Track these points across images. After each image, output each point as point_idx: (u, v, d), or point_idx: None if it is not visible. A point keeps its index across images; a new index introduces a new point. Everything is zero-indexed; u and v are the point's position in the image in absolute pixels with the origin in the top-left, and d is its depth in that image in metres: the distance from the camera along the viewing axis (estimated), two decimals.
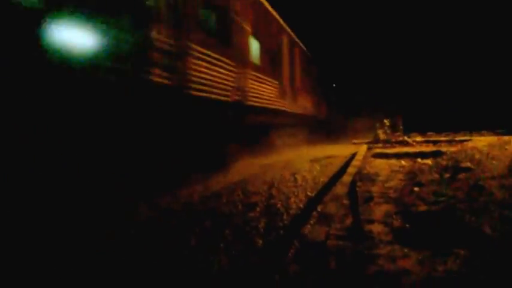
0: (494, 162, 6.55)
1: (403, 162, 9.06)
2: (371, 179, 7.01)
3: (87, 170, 5.07)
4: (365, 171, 7.76)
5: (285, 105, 16.27)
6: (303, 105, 20.73)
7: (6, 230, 4.00)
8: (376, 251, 3.40)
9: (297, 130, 19.92)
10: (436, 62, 30.16)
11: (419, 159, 9.03)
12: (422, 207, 4.65)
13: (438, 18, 30.91)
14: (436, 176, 6.43)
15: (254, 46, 12.47)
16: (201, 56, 8.12)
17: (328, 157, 11.04)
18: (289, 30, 17.69)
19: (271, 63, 14.26)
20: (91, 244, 4.09)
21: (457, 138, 14.10)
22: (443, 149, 10.56)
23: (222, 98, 9.26)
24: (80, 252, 3.85)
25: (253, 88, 11.78)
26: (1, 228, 3.97)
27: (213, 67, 8.76)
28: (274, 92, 14.38)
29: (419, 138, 15.18)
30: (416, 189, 5.69)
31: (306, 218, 4.67)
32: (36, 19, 4.24)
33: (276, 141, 15.31)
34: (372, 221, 4.34)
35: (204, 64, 8.29)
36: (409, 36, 32.43)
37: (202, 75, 8.19)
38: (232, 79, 9.95)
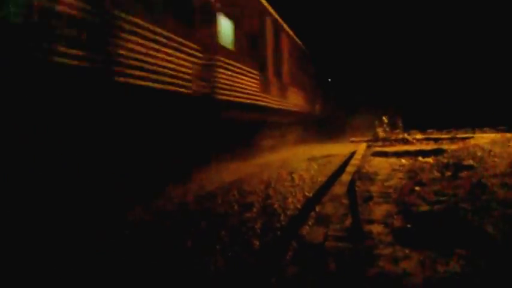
0: (496, 159, 6.56)
1: (403, 160, 9.07)
2: (370, 178, 7.02)
3: (77, 172, 5.05)
4: (364, 170, 7.77)
5: (271, 101, 14.55)
6: (295, 101, 19.12)
7: (4, 230, 3.99)
8: (376, 252, 3.40)
9: (288, 128, 18.60)
10: (436, 57, 30.22)
11: (420, 158, 9.04)
12: (424, 207, 4.65)
13: (439, 14, 30.95)
14: (437, 174, 6.43)
15: (225, 27, 10.29)
16: (137, 30, 6.20)
17: (326, 156, 11.05)
18: (274, 13, 15.54)
19: (250, 50, 12.20)
20: (86, 245, 4.08)
21: (458, 136, 14.14)
22: (445, 146, 10.59)
23: (179, 89, 7.49)
24: (75, 253, 3.84)
25: (225, 79, 9.80)
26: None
27: (159, 47, 6.79)
28: (255, 85, 12.47)
29: (419, 136, 15.22)
30: (417, 188, 5.69)
31: (303, 218, 4.67)
32: None
33: (262, 141, 13.76)
34: (371, 221, 4.34)
35: (143, 42, 6.33)
36: (409, 31, 32.46)
37: (142, 57, 6.30)
38: (193, 66, 8.11)
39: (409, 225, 4.07)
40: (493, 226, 3.71)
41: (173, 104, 7.67)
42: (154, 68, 6.65)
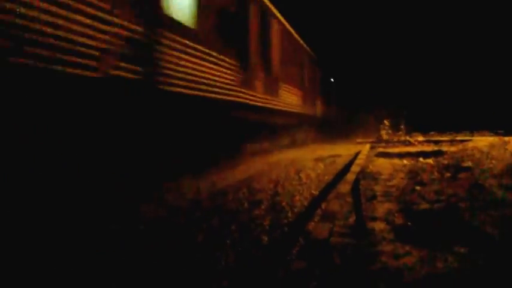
0: (494, 161, 6.54)
1: (405, 161, 9.05)
2: (374, 177, 7.01)
3: (92, 170, 5.09)
4: (368, 170, 7.76)
5: (254, 98, 11.25)
6: (289, 100, 15.75)
7: (25, 225, 4.03)
8: (378, 248, 3.41)
9: (281, 131, 15.59)
10: (438, 64, 30.09)
11: (421, 159, 9.01)
12: (424, 206, 4.65)
13: (440, 20, 30.82)
14: (438, 175, 6.42)
15: None
16: None
17: (332, 156, 11.04)
18: None
19: (221, 32, 8.98)
20: (102, 239, 4.11)
21: (458, 138, 14.08)
22: (445, 148, 10.54)
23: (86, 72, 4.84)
24: (92, 247, 3.87)
25: (174, 63, 6.78)
26: (21, 224, 4.00)
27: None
28: (230, 78, 9.41)
29: (421, 138, 15.16)
30: (418, 187, 5.68)
31: (310, 215, 4.68)
32: None
33: (233, 150, 10.46)
34: (374, 219, 4.35)
35: None
36: (413, 36, 32.34)
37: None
38: (117, 39, 5.38)
39: (410, 223, 4.07)
40: (490, 225, 3.71)
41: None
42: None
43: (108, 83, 5.37)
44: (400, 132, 17.38)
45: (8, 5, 3.82)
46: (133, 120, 6.02)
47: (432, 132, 18.73)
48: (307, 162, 9.67)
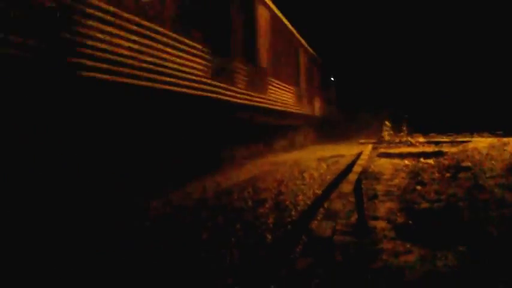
0: (493, 162, 6.51)
1: (406, 161, 9.02)
2: (376, 177, 6.99)
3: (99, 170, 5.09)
4: (370, 170, 7.74)
5: (232, 93, 9.15)
6: (285, 99, 13.95)
7: (46, 221, 4.04)
8: (380, 246, 3.40)
9: (275, 132, 14.31)
10: (439, 65, 30.01)
11: (421, 159, 8.98)
12: (424, 205, 4.63)
13: (441, 23, 30.75)
14: (438, 175, 6.40)
15: None
16: None
17: (334, 156, 11.02)
18: None
19: (182, 7, 6.95)
20: (110, 235, 4.12)
21: (458, 139, 14.02)
22: (445, 149, 10.50)
23: None
24: (99, 243, 3.88)
25: (99, 38, 4.88)
26: (40, 220, 4.02)
27: None
28: (197, 67, 7.39)
29: (422, 139, 15.11)
30: (418, 187, 5.66)
31: (313, 214, 4.67)
32: None
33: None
34: (376, 218, 4.33)
35: None
36: (414, 38, 32.27)
37: None
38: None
39: (410, 222, 4.05)
40: (489, 224, 3.69)
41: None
42: None
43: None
44: (402, 133, 17.34)
45: None
46: (142, 121, 6.06)
47: (433, 133, 18.70)
48: (311, 162, 9.66)
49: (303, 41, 17.94)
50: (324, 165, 8.96)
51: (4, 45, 3.59)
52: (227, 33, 9.14)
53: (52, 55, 4.16)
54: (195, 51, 7.38)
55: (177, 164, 7.00)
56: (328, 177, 7.18)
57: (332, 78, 27.14)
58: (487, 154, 7.37)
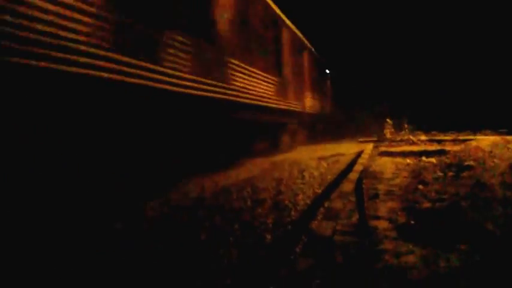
0: (496, 160, 6.50)
1: (408, 160, 9.02)
2: (377, 176, 6.99)
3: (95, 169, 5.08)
4: (371, 169, 7.74)
5: (157, 76, 6.22)
6: (261, 90, 11.18)
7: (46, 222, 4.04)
8: (381, 246, 3.39)
9: (252, 131, 11.86)
10: (441, 63, 30.03)
11: (423, 158, 8.98)
12: (426, 204, 4.62)
13: (443, 20, 30.76)
14: (440, 174, 6.39)
15: None
16: None
17: (335, 155, 11.01)
18: None
19: None
20: (106, 236, 4.11)
21: (460, 138, 14.01)
22: (447, 147, 10.49)
23: None
24: (97, 244, 3.88)
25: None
26: (36, 222, 4.01)
27: None
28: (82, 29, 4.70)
29: (424, 137, 15.11)
30: (420, 186, 5.66)
31: (313, 213, 4.66)
32: None
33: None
34: (377, 217, 4.33)
35: None
36: (416, 34, 32.27)
37: None
38: None
39: (412, 222, 4.05)
40: (492, 223, 3.68)
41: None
42: None
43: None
44: (403, 132, 17.33)
45: None
46: (139, 120, 6.00)
47: (435, 132, 18.69)
48: (311, 162, 9.64)
49: (287, 21, 14.90)
50: (325, 164, 8.95)
51: None
52: (215, 21, 8.07)
53: None
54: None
55: (174, 163, 6.98)
56: (329, 176, 7.17)
57: (327, 71, 24.87)
58: (490, 152, 7.36)
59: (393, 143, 14.43)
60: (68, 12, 4.50)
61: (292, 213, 4.76)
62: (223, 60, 8.73)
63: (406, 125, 17.96)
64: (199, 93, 7.38)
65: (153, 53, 6.12)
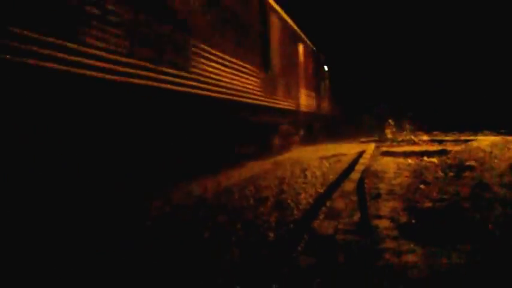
0: (497, 161, 6.53)
1: (409, 160, 9.03)
2: (378, 176, 7.00)
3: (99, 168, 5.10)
4: (373, 169, 7.75)
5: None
6: (242, 85, 9.21)
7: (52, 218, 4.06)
8: (383, 245, 3.41)
9: (240, 133, 9.90)
10: (443, 63, 30.01)
11: (425, 158, 9.00)
12: (428, 204, 4.64)
13: (445, 18, 30.73)
14: (441, 174, 6.41)
15: None
16: None
17: (337, 155, 11.03)
18: None
19: None
20: (110, 234, 4.14)
21: (461, 138, 14.05)
22: (449, 148, 10.52)
23: None
24: (100, 242, 3.90)
25: None
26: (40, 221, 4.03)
27: None
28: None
29: (425, 138, 15.13)
30: (422, 186, 5.68)
31: (315, 213, 4.68)
32: None
33: None
34: (379, 217, 4.35)
35: None
36: (417, 35, 32.24)
37: None
38: None
39: (413, 221, 4.07)
40: (493, 223, 3.70)
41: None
42: None
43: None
44: (405, 132, 17.35)
45: None
46: (142, 120, 5.80)
47: (436, 132, 18.71)
48: (313, 161, 9.66)
49: (275, 6, 12.82)
50: (327, 164, 8.97)
51: None
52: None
53: None
54: None
55: (177, 163, 6.96)
56: (331, 176, 7.19)
57: (326, 68, 22.89)
58: (491, 153, 7.38)
59: (394, 143, 14.46)
60: None
61: (295, 212, 4.78)
62: (181, 40, 6.52)
63: (407, 126, 17.98)
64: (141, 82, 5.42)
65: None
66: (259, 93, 10.60)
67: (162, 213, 5.02)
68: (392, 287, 2.64)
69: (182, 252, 3.58)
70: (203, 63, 7.27)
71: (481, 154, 7.40)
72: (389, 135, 16.56)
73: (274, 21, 12.67)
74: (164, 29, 6.01)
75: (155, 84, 5.70)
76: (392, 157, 10.03)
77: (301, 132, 16.82)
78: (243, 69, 9.51)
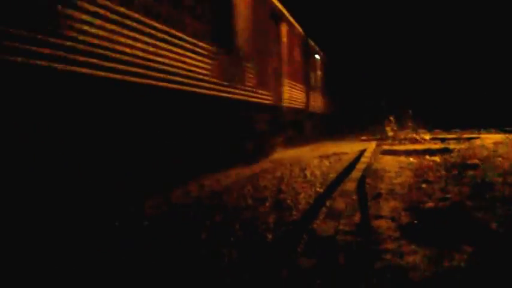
0: (501, 159, 6.52)
1: (411, 159, 9.03)
2: (380, 175, 7.00)
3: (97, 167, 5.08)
4: (374, 168, 7.75)
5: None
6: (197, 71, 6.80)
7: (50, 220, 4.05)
8: (384, 246, 3.41)
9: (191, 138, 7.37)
10: (445, 60, 30.00)
11: (427, 156, 9.00)
12: (430, 204, 4.64)
13: (446, 16, 30.72)
14: (444, 172, 6.41)
15: None
16: None
17: (337, 154, 11.03)
18: None
19: None
20: (107, 235, 4.13)
21: (464, 136, 14.05)
22: (451, 146, 10.52)
23: None
24: (98, 242, 3.89)
25: None
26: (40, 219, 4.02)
27: None
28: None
29: (427, 136, 15.13)
30: (424, 185, 5.68)
31: (315, 213, 4.68)
32: None
33: None
34: (380, 217, 4.34)
35: None
36: (420, 30, 32.20)
37: None
38: None
39: (415, 221, 4.06)
40: (497, 223, 3.70)
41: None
42: None
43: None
44: (407, 130, 17.34)
45: None
46: (139, 119, 5.70)
47: (438, 130, 18.72)
48: (313, 160, 9.65)
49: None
50: (327, 163, 8.97)
51: None
52: None
53: None
54: None
55: (175, 162, 6.91)
56: (331, 175, 7.18)
57: (317, 57, 19.93)
58: (495, 151, 7.38)
59: (396, 141, 14.45)
60: None
61: (294, 212, 4.78)
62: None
63: (409, 123, 17.97)
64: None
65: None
66: (213, 80, 7.61)
67: (160, 212, 5.01)
68: None
69: (180, 253, 3.57)
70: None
71: (485, 153, 7.40)
72: (390, 133, 16.53)
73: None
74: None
75: None
76: (394, 156, 10.03)
77: (289, 133, 14.46)
78: (180, 43, 6.48)
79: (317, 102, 19.49)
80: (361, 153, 9.29)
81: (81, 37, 4.32)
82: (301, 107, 15.88)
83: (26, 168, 4.17)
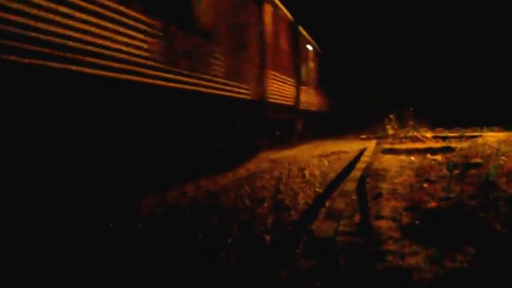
0: (504, 158, 6.52)
1: (412, 158, 9.02)
2: (380, 174, 6.99)
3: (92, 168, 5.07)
4: (374, 167, 7.74)
5: None
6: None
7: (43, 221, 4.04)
8: (385, 247, 3.40)
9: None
10: (447, 57, 30.01)
11: (428, 155, 9.00)
12: (432, 204, 4.64)
13: (449, 14, 30.74)
14: (446, 172, 6.40)
15: None
16: None
17: (337, 153, 11.01)
18: None
19: None
20: (102, 237, 4.11)
21: (466, 134, 14.03)
22: (453, 144, 10.51)
23: None
24: (93, 245, 3.88)
25: None
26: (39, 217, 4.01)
27: None
28: None
29: (429, 134, 15.11)
30: (425, 185, 5.67)
31: (314, 213, 4.67)
32: None
33: None
34: (381, 217, 4.34)
35: None
36: (421, 26, 32.20)
37: None
38: None
39: (417, 222, 4.06)
40: (500, 223, 3.69)
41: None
42: None
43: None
44: (408, 128, 17.33)
45: None
46: (136, 120, 5.67)
47: (440, 128, 18.70)
48: (312, 159, 9.64)
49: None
50: (326, 162, 8.95)
51: None
52: None
53: None
54: None
55: (171, 163, 6.87)
56: (330, 174, 7.17)
57: (310, 47, 18.14)
58: (498, 149, 7.37)
59: (396, 140, 14.44)
60: None
61: (293, 213, 4.77)
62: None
63: (410, 121, 17.96)
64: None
65: None
66: (156, 64, 5.96)
67: (156, 213, 5.00)
68: None
69: (176, 255, 3.56)
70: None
71: (488, 151, 7.39)
72: (390, 132, 16.51)
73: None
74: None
75: None
76: (395, 154, 10.02)
77: (276, 133, 13.31)
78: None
79: (310, 99, 18.09)
80: (361, 152, 9.27)
81: None
82: (290, 103, 14.41)
83: (14, 169, 4.17)
